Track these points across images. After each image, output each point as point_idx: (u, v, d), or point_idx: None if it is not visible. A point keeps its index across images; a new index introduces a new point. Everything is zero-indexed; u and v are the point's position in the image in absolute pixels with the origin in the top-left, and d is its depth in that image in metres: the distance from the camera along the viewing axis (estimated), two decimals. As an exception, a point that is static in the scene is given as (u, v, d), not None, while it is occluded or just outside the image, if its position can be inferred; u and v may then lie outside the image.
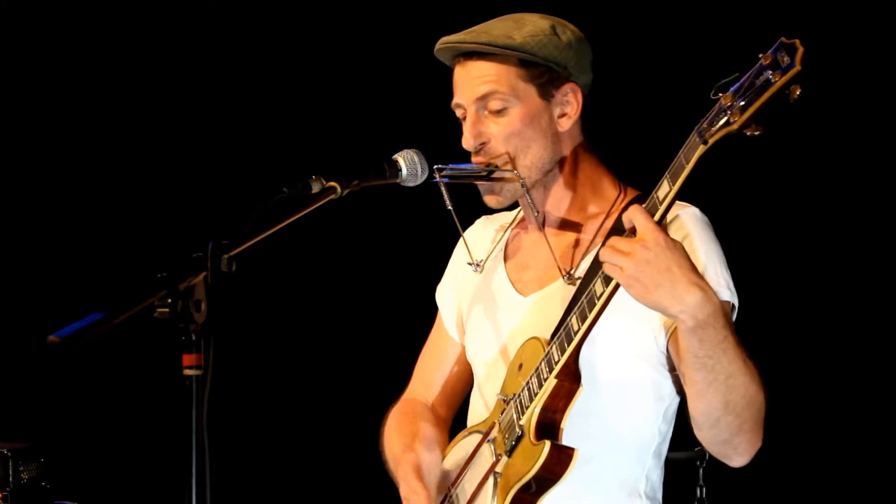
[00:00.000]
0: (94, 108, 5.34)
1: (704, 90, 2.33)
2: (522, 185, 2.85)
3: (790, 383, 4.38)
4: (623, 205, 2.83)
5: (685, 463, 4.24)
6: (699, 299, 2.43)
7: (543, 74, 2.84)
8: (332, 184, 2.63)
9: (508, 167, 2.84)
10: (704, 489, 4.47)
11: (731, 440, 2.62)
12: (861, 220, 4.47)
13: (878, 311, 4.58)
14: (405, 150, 2.78)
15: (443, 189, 2.84)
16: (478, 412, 2.94)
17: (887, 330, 4.59)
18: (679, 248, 2.44)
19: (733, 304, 2.72)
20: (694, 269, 2.46)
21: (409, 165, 2.77)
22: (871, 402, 4.63)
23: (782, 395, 4.30)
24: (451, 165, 2.81)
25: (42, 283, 5.34)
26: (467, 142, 2.86)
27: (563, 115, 2.87)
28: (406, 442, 2.99)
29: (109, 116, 5.34)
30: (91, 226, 5.36)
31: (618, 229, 2.55)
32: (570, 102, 2.87)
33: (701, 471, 4.46)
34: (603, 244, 2.52)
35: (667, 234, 2.44)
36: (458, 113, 2.91)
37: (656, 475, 2.85)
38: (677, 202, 2.67)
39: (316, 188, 2.62)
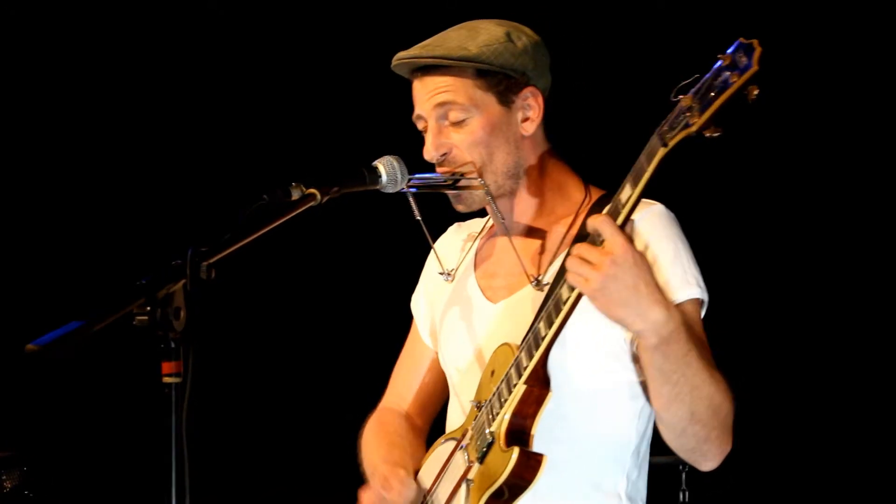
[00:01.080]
0: (71, 115, 5.33)
1: (668, 91, 2.34)
2: (487, 193, 2.85)
3: (768, 386, 4.39)
4: (588, 207, 2.84)
5: (668, 467, 4.24)
6: (662, 317, 2.46)
7: (501, 82, 2.84)
8: (312, 191, 2.62)
9: (474, 175, 2.84)
10: (687, 493, 4.47)
11: (699, 447, 2.64)
12: (831, 216, 4.48)
13: (854, 309, 4.59)
14: (385, 157, 2.78)
15: (411, 200, 2.85)
16: (454, 419, 2.95)
17: (865, 327, 4.61)
18: (645, 263, 2.46)
19: (703, 301, 2.74)
20: (656, 284, 2.47)
21: (388, 171, 2.76)
22: (851, 404, 4.64)
23: (761, 398, 4.32)
24: (418, 175, 2.81)
25: (21, 291, 5.33)
26: (429, 153, 2.86)
27: (525, 119, 2.87)
28: (385, 452, 3.00)
29: (86, 123, 5.33)
30: (70, 233, 5.35)
31: (582, 236, 2.55)
32: (531, 106, 2.87)
33: (684, 475, 4.46)
34: (569, 251, 2.53)
35: (634, 249, 2.45)
36: (420, 125, 2.91)
37: (637, 475, 2.84)
38: (643, 199, 2.68)
39: (296, 195, 2.61)
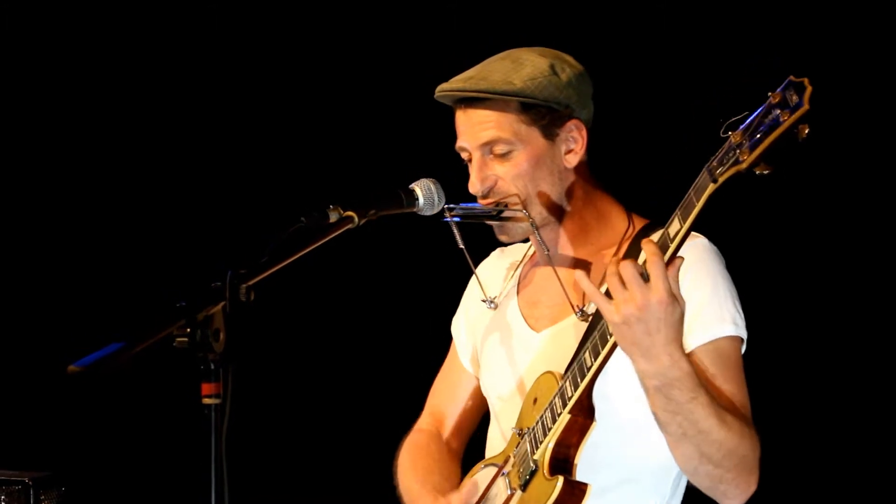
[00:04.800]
0: (98, 127, 5.34)
1: (714, 121, 2.35)
2: (532, 225, 2.85)
3: (816, 419, 4.35)
4: (632, 237, 2.85)
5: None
6: (666, 365, 2.48)
7: (545, 115, 2.85)
8: (350, 213, 2.64)
9: (518, 207, 2.84)
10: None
11: (716, 487, 2.65)
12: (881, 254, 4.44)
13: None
14: (422, 179, 2.79)
15: (454, 228, 2.86)
16: (494, 445, 2.95)
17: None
18: (678, 313, 2.45)
19: (742, 339, 2.74)
20: (678, 335, 2.47)
21: (425, 194, 2.78)
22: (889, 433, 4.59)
23: (808, 429, 4.29)
24: (461, 205, 2.82)
25: (62, 311, 5.36)
26: (474, 186, 2.87)
27: (569, 151, 2.88)
28: (422, 477, 3.00)
29: (126, 137, 5.35)
30: (112, 254, 5.37)
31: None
32: (575, 139, 2.88)
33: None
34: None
35: (672, 299, 2.44)
36: (464, 156, 2.92)
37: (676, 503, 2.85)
38: None
39: (333, 217, 2.63)
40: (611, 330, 2.51)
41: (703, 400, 2.53)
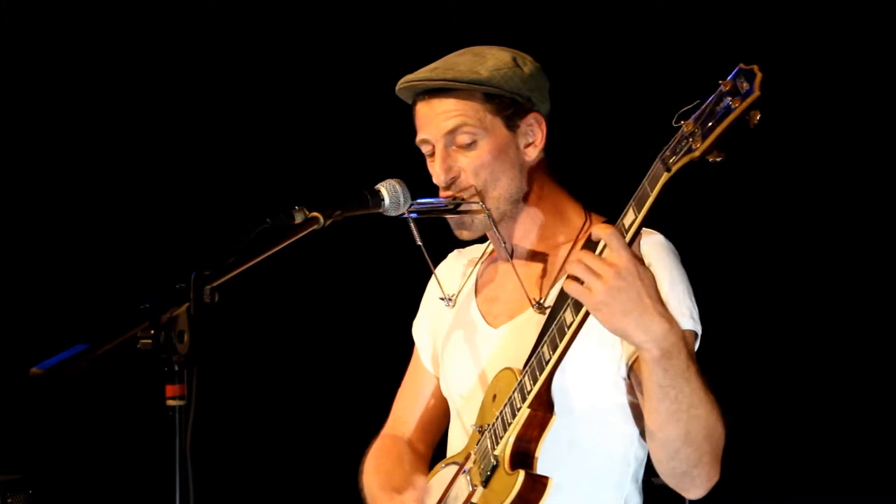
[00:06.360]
0: (73, 132, 5.35)
1: (668, 115, 2.36)
2: (489, 217, 2.85)
3: (771, 413, 4.39)
4: (589, 232, 2.85)
5: (668, 490, 4.23)
6: (664, 330, 2.46)
7: (508, 107, 2.85)
8: (315, 214, 2.63)
9: (475, 199, 2.84)
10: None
11: (690, 472, 2.63)
12: (835, 241, 4.48)
13: (859, 327, 4.59)
14: (387, 180, 2.79)
15: (412, 225, 2.85)
16: (456, 444, 2.95)
17: (870, 344, 4.60)
18: (649, 277, 2.46)
19: (696, 333, 2.75)
20: (660, 299, 2.48)
21: (391, 195, 2.77)
22: (859, 430, 4.63)
23: (765, 424, 4.32)
24: (418, 200, 2.82)
25: (27, 314, 5.34)
26: (438, 177, 2.87)
27: (528, 144, 2.89)
28: (383, 479, 3.00)
29: (90, 141, 5.35)
30: (77, 257, 5.37)
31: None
32: (534, 132, 2.89)
33: (688, 501, 4.44)
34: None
35: (639, 261, 2.45)
36: (425, 149, 2.92)
37: (636, 501, 2.86)
38: (643, 229, 2.69)
39: (298, 218, 2.62)
40: (596, 318, 2.47)
41: (695, 369, 2.53)
